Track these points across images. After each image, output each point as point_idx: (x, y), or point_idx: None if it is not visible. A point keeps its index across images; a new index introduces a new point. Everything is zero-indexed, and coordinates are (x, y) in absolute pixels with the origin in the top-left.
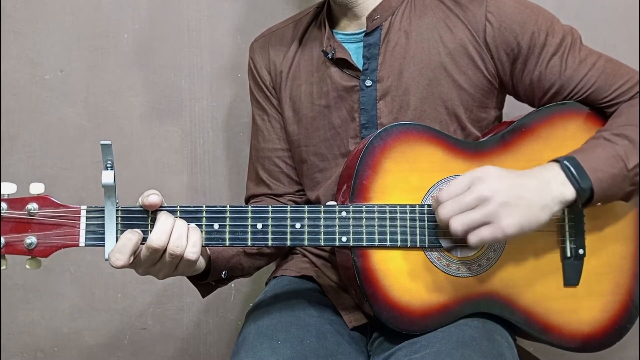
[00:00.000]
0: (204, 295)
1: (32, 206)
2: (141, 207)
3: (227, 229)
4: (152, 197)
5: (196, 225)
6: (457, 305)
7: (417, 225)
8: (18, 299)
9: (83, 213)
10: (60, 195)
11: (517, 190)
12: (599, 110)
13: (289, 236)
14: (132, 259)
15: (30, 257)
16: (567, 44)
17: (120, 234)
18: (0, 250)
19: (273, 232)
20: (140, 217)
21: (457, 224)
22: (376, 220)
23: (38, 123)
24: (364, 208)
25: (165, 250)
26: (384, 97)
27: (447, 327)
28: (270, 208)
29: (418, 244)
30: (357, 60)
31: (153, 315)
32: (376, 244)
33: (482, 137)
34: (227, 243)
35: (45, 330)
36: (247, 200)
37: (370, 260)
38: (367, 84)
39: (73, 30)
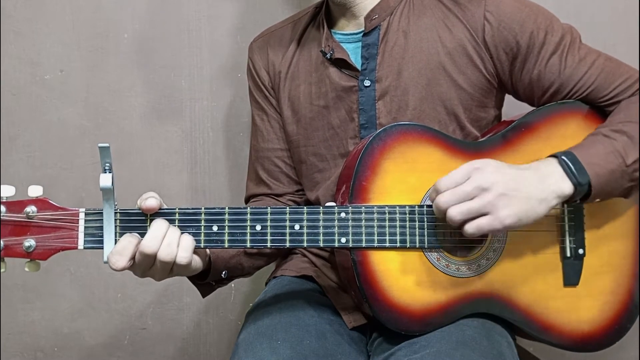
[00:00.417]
0: (204, 295)
1: (31, 209)
2: (139, 210)
3: (226, 230)
4: (150, 201)
5: (195, 227)
6: (457, 305)
7: (417, 226)
8: (18, 299)
9: (82, 216)
10: (59, 195)
11: (516, 182)
12: (599, 109)
13: (287, 237)
14: (131, 262)
15: (29, 259)
16: (567, 42)
17: (119, 236)
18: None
19: (272, 234)
20: (139, 220)
21: (454, 213)
22: (375, 221)
23: (38, 123)
24: (363, 209)
25: (156, 256)
26: (382, 97)
27: (447, 327)
28: (269, 209)
29: (417, 245)
30: (356, 60)
31: (153, 315)
32: (375, 244)
33: (482, 137)
34: (226, 245)
35: (45, 330)
36: (247, 200)
37: (369, 261)
38: (365, 84)
39: (73, 30)
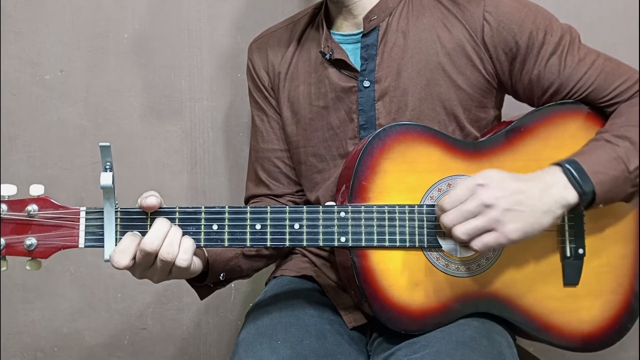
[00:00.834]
0: (202, 297)
1: (32, 207)
2: (140, 208)
3: (226, 229)
4: (151, 199)
5: (195, 225)
6: (457, 305)
7: (416, 226)
8: (18, 299)
9: (82, 214)
10: (60, 195)
11: (520, 195)
12: (599, 109)
13: (287, 237)
14: (133, 261)
15: (30, 258)
16: (566, 42)
17: (120, 235)
18: (1, 251)
19: (272, 233)
20: (139, 219)
21: (460, 232)
22: (375, 220)
23: (38, 123)
24: (362, 208)
25: (157, 255)
26: (382, 98)
27: (447, 327)
28: (269, 209)
29: (417, 244)
30: (355, 61)
31: (153, 315)
32: (375, 244)
33: (481, 137)
34: (226, 244)
35: (45, 330)
36: (247, 201)
37: (369, 260)
38: (365, 85)
39: (73, 30)
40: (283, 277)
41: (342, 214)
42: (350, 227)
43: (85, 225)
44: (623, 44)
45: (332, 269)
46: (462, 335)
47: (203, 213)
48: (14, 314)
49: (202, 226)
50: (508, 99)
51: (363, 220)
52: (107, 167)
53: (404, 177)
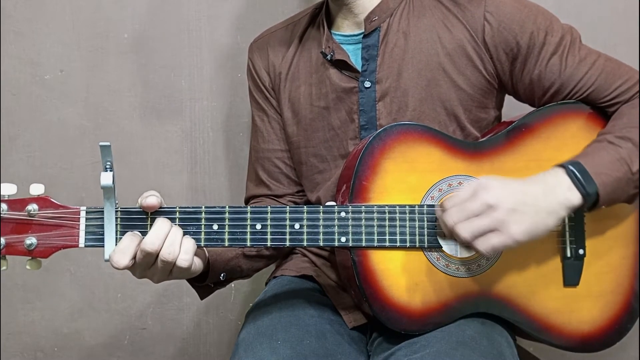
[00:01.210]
0: (202, 297)
1: (32, 207)
2: (140, 208)
3: (226, 229)
4: (151, 199)
5: (195, 225)
6: (457, 305)
7: (417, 226)
8: (18, 299)
9: (83, 214)
10: (60, 195)
11: (523, 197)
12: (600, 109)
13: (287, 236)
14: (133, 260)
15: (30, 257)
16: (567, 43)
17: (120, 235)
18: (1, 251)
19: (272, 233)
20: (140, 218)
21: (462, 231)
22: (375, 220)
23: (38, 123)
24: (363, 208)
25: (157, 255)
26: (383, 99)
27: (447, 327)
28: (269, 208)
29: (417, 244)
30: (356, 61)
31: (153, 315)
32: (375, 244)
33: (482, 137)
34: (227, 244)
35: (45, 330)
36: (247, 201)
37: (369, 260)
38: (366, 85)
39: (73, 30)
40: (283, 277)
41: (343, 214)
42: (350, 227)
43: (86, 225)
44: (623, 44)
45: (332, 269)
46: (462, 335)
47: (203, 213)
48: (14, 314)
49: (203, 226)
50: (508, 99)
51: (363, 220)
52: (108, 166)
53: (405, 177)
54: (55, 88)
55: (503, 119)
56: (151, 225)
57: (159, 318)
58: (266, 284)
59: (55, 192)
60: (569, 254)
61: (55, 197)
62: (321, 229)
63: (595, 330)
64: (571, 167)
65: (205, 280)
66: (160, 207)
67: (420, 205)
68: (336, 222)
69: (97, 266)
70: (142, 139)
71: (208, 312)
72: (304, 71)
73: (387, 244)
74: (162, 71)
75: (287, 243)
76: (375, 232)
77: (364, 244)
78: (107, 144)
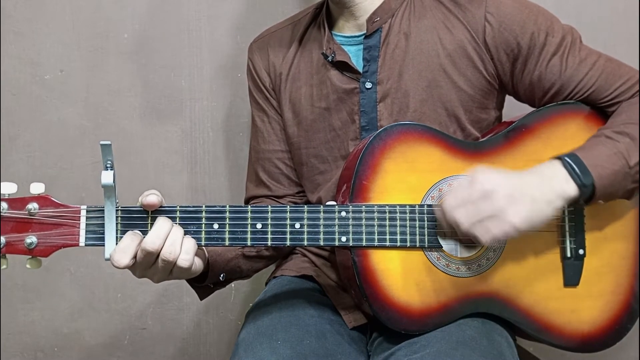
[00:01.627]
0: (201, 297)
1: (33, 206)
2: (141, 207)
3: (227, 228)
4: (151, 197)
5: (196, 224)
6: (457, 305)
7: (417, 225)
8: (18, 299)
9: (83, 213)
10: (60, 195)
11: (520, 185)
12: (600, 110)
13: (288, 236)
14: (133, 260)
15: (30, 256)
16: (567, 43)
17: (121, 234)
18: (1, 249)
19: (272, 232)
20: (140, 217)
21: (459, 215)
22: (376, 220)
23: (38, 123)
24: (363, 208)
25: (158, 254)
26: (384, 100)
27: (447, 327)
28: (269, 208)
29: (417, 244)
30: (357, 62)
31: (153, 315)
32: (376, 244)
33: (482, 137)
34: (227, 243)
35: (45, 330)
36: (247, 202)
37: (369, 260)
38: (367, 87)
39: (73, 30)
40: (283, 277)
41: (343, 214)
42: (351, 226)
43: (86, 224)
44: (623, 44)
45: (332, 269)
46: (462, 335)
47: (204, 212)
48: (14, 314)
49: (203, 225)
50: (509, 99)
51: (364, 220)
52: (108, 165)
53: (405, 176)
54: (55, 88)
55: (503, 119)
56: (152, 224)
57: (159, 318)
58: (266, 284)
59: (56, 192)
60: (569, 254)
61: (56, 197)
62: (322, 229)
63: (595, 330)
64: (567, 159)
65: (205, 281)
66: (161, 206)
67: (421, 205)
68: (337, 221)
69: (97, 266)
70: (142, 139)
71: (208, 312)
72: (305, 72)
73: (388, 243)
74: (162, 71)
75: (288, 242)
76: (376, 231)
77: (364, 243)
78: (108, 143)
